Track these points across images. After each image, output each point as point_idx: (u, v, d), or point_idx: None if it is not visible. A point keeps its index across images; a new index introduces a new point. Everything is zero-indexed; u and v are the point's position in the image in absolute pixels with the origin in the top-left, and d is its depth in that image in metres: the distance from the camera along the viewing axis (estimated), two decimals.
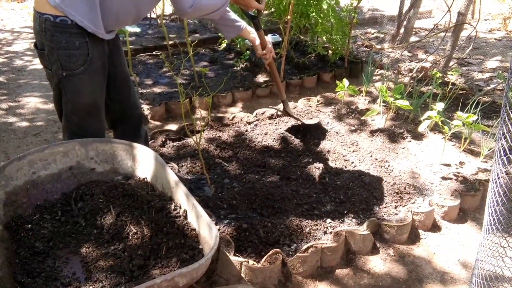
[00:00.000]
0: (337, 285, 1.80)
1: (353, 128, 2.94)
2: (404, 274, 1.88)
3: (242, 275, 1.71)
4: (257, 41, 2.24)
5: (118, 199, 1.71)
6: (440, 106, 2.63)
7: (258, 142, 2.68)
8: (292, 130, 2.80)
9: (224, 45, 4.13)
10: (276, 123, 2.91)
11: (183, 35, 4.62)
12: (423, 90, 3.44)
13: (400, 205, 2.19)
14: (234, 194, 2.13)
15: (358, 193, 2.21)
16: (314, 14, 3.60)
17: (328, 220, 2.04)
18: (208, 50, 4.48)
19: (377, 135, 2.84)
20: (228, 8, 2.05)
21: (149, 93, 3.41)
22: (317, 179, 2.36)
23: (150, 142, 2.56)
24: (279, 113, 2.99)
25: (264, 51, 2.26)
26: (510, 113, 1.13)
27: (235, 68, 3.93)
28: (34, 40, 1.75)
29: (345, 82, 3.05)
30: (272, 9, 3.86)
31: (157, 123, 3.12)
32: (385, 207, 2.16)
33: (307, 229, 1.96)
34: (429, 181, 2.39)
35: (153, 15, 5.49)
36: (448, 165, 2.53)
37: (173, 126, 2.97)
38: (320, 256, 1.84)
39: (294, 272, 1.79)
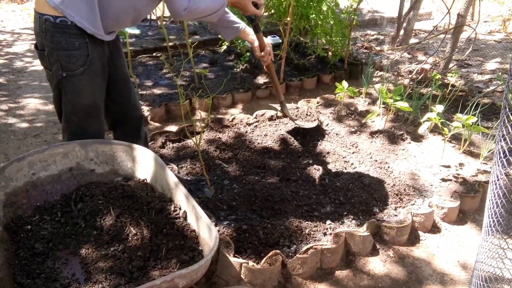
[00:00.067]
0: (336, 287, 1.80)
1: (353, 129, 2.95)
2: (404, 276, 1.88)
3: (242, 276, 1.71)
4: (256, 43, 2.24)
5: (118, 200, 1.71)
6: (439, 107, 2.63)
7: (258, 143, 2.69)
8: (291, 132, 2.81)
9: (224, 47, 4.14)
10: (276, 125, 2.91)
11: (183, 37, 4.63)
12: (423, 91, 3.45)
13: (400, 206, 2.19)
14: (234, 195, 2.13)
15: (358, 195, 2.21)
16: (314, 16, 3.60)
17: (328, 222, 2.04)
18: (208, 52, 4.48)
19: (377, 136, 2.84)
20: (227, 9, 2.05)
21: (149, 94, 3.42)
22: (317, 181, 2.36)
23: (150, 143, 2.56)
24: (279, 114, 2.99)
25: (262, 53, 2.26)
26: (510, 115, 1.13)
27: (235, 69, 3.94)
28: (34, 42, 1.76)
29: (345, 83, 3.06)
30: (272, 11, 3.86)
31: (157, 124, 3.12)
32: (385, 209, 2.16)
33: (307, 230, 1.96)
34: (429, 183, 2.39)
35: (153, 17, 5.49)
36: (448, 166, 2.53)
37: (173, 128, 2.97)
38: (319, 257, 1.84)
39: (294, 273, 1.79)
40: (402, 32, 4.76)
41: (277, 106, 2.82)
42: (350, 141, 2.78)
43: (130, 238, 1.57)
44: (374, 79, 3.92)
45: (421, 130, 2.64)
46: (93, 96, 1.80)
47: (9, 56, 4.56)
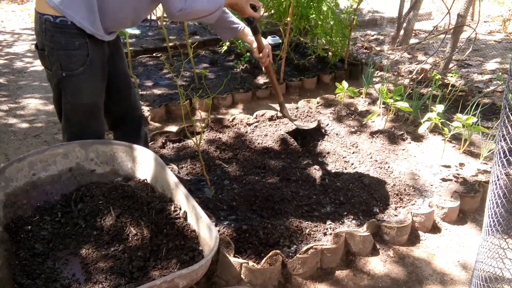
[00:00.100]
0: (337, 287, 1.80)
1: (353, 129, 2.95)
2: (404, 276, 1.88)
3: (242, 276, 1.71)
4: (255, 44, 2.23)
5: (118, 200, 1.71)
6: (440, 107, 2.63)
7: (258, 143, 2.69)
8: (291, 132, 2.81)
9: (225, 47, 4.14)
10: (276, 125, 2.91)
11: (183, 37, 4.63)
12: (423, 92, 3.45)
13: (400, 206, 2.19)
14: (234, 196, 2.13)
15: (358, 195, 2.21)
16: (314, 16, 3.60)
17: (328, 222, 2.04)
18: (209, 52, 4.48)
19: (377, 136, 2.84)
20: (226, 10, 2.04)
21: (149, 94, 3.42)
22: (317, 181, 2.36)
23: (150, 143, 2.56)
24: (279, 114, 2.99)
25: (260, 55, 2.25)
26: (510, 115, 1.13)
27: (235, 70, 3.94)
28: (34, 42, 1.76)
29: (345, 84, 3.06)
30: (272, 11, 3.86)
31: (157, 124, 3.12)
32: (385, 209, 2.16)
33: (307, 231, 1.96)
34: (429, 183, 2.39)
35: (153, 17, 5.49)
36: (448, 166, 2.53)
37: (173, 128, 2.98)
38: (320, 257, 1.84)
39: (294, 273, 1.79)
40: (402, 32, 4.76)
41: (277, 107, 2.82)
42: (350, 141, 2.78)
43: (130, 238, 1.57)
44: (374, 79, 3.92)
45: (421, 130, 2.64)
46: (93, 96, 1.80)
47: (9, 56, 4.56)
